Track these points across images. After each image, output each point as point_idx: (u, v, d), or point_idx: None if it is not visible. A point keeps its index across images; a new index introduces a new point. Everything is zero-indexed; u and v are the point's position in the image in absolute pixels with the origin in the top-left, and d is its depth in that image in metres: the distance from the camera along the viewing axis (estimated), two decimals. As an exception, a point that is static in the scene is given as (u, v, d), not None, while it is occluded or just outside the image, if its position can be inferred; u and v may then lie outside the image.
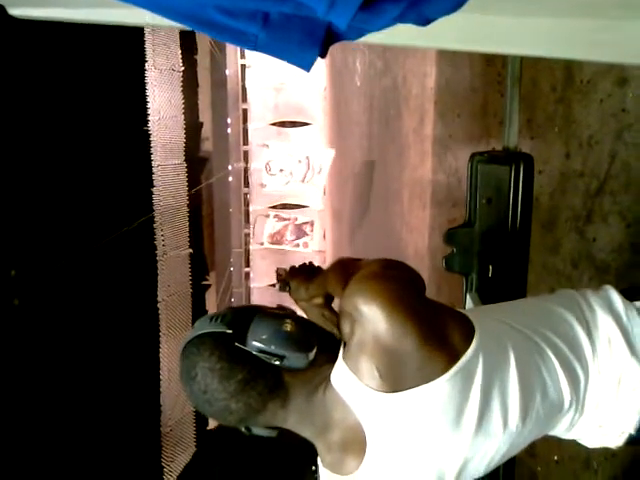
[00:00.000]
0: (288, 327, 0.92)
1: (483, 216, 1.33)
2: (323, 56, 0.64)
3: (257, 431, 0.98)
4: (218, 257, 9.04)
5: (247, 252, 12.23)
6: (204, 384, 0.89)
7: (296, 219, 11.79)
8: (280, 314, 0.96)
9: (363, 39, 1.02)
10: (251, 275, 12.37)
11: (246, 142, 12.35)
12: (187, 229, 5.67)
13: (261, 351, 0.89)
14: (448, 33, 0.95)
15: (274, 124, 12.60)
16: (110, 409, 3.76)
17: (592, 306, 1.03)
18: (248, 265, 12.32)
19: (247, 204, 11.98)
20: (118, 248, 4.11)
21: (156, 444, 4.69)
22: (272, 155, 10.52)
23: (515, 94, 1.27)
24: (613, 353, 0.99)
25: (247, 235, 12.36)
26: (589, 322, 1.01)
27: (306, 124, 12.62)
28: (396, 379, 0.85)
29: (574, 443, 1.14)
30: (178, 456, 5.60)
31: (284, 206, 12.07)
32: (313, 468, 1.10)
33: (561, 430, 1.05)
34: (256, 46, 0.62)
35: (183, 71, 5.81)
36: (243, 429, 0.97)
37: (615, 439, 1.04)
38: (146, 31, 4.77)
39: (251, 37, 0.62)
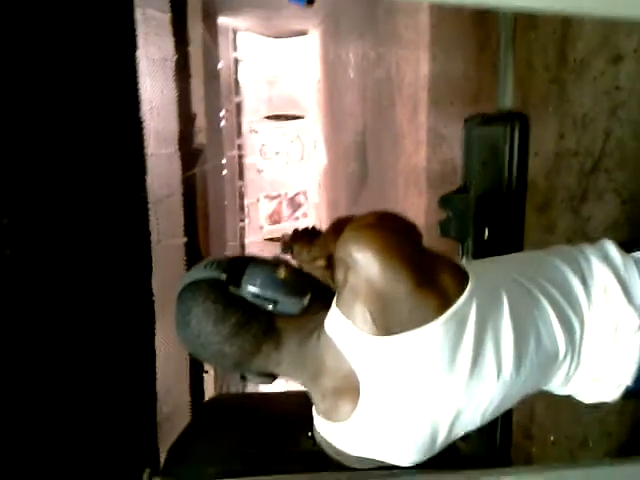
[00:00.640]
0: (282, 273, 0.93)
1: (479, 180, 1.33)
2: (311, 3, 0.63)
3: (252, 378, 0.99)
4: (213, 250, 9.02)
5: (242, 246, 12.22)
6: (198, 328, 0.90)
7: (287, 193, 11.77)
8: (275, 261, 0.97)
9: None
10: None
11: (240, 135, 12.31)
12: (182, 218, 5.65)
13: (255, 295, 0.91)
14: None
15: (268, 117, 12.57)
16: (104, 395, 3.74)
17: (588, 257, 1.04)
18: (244, 258, 12.26)
19: (242, 197, 11.96)
20: (112, 235, 4.09)
21: (152, 432, 4.68)
22: (264, 139, 10.48)
23: (509, 55, 1.26)
24: (609, 302, 0.99)
25: (242, 229, 12.34)
26: (584, 272, 1.01)
27: (300, 117, 12.59)
28: (389, 323, 0.86)
29: (571, 417, 1.14)
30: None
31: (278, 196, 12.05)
32: (309, 434, 1.11)
33: (557, 384, 1.04)
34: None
35: (176, 62, 5.75)
36: (239, 375, 0.99)
37: (612, 392, 1.05)
38: (138, 20, 4.74)
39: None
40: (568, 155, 2.64)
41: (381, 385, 0.90)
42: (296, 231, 1.26)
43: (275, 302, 0.91)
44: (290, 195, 11.91)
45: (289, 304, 0.92)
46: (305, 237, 1.21)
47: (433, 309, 0.86)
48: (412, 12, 5.22)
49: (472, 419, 0.95)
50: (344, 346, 0.90)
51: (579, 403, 1.12)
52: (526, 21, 2.85)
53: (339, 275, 0.92)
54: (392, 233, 0.89)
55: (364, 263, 0.85)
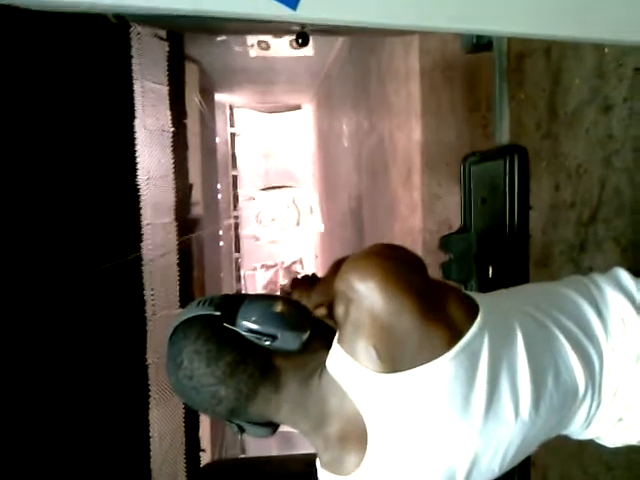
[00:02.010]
0: (280, 307, 0.87)
1: (479, 217, 1.29)
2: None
3: (249, 429, 0.91)
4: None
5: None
6: (190, 369, 0.83)
7: (283, 262, 11.77)
8: (272, 296, 0.91)
9: (346, 18, 1.00)
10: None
11: (236, 208, 12.46)
12: (177, 288, 5.58)
13: (251, 331, 0.84)
14: (431, 11, 0.94)
15: (264, 189, 12.76)
16: (98, 476, 3.56)
17: (600, 286, 0.99)
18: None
19: (238, 269, 11.94)
20: (106, 305, 4.01)
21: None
22: (260, 207, 10.61)
23: (504, 89, 1.26)
24: (627, 331, 0.93)
25: (239, 300, 12.25)
26: (598, 302, 0.96)
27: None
28: (395, 358, 0.80)
29: (592, 457, 1.06)
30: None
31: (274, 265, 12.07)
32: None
33: (578, 426, 0.97)
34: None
35: (173, 133, 5.88)
36: (235, 428, 0.91)
37: (638, 433, 0.97)
38: (136, 91, 4.87)
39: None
40: (564, 207, 2.64)
41: (390, 428, 0.82)
42: (295, 279, 1.22)
43: (273, 337, 0.84)
44: (286, 264, 11.93)
45: (288, 339, 0.85)
46: (304, 284, 1.18)
47: (442, 342, 0.80)
48: (403, 81, 5.38)
49: (490, 466, 0.87)
50: (348, 386, 0.83)
51: (603, 447, 1.04)
52: (515, 82, 2.92)
53: (339, 309, 0.86)
54: (395, 262, 0.84)
55: (366, 294, 0.80)
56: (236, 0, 0.87)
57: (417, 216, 5.09)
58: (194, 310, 0.87)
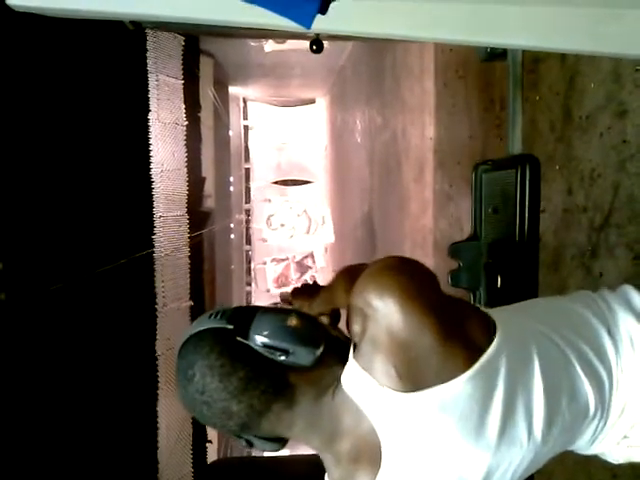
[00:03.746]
0: (294, 321, 0.85)
1: (489, 227, 1.29)
2: (323, 12, 0.62)
3: (259, 444, 0.89)
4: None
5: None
6: (202, 384, 0.81)
7: (294, 256, 11.77)
8: (285, 309, 0.91)
9: (360, 30, 1.00)
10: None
11: (248, 200, 12.48)
12: (188, 281, 5.61)
13: (265, 345, 0.83)
14: (445, 24, 0.94)
15: (276, 182, 12.78)
16: (105, 463, 3.60)
17: (611, 305, 0.98)
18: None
19: (249, 261, 11.97)
20: (117, 297, 4.04)
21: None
22: (273, 209, 10.65)
23: (517, 97, 1.26)
24: (636, 352, 0.93)
25: (248, 293, 12.29)
26: (609, 322, 0.96)
27: (308, 182, 12.79)
28: (415, 377, 0.79)
29: (598, 464, 1.06)
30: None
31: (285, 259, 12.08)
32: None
33: (584, 442, 0.97)
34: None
35: (187, 127, 5.90)
36: (244, 442, 0.89)
37: None
38: (151, 85, 4.88)
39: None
40: (577, 211, 2.62)
41: (405, 446, 0.81)
42: (296, 288, 1.21)
43: (286, 352, 0.83)
44: (298, 258, 11.92)
45: (302, 354, 0.83)
46: (305, 293, 1.16)
47: (461, 362, 0.79)
48: (417, 78, 5.36)
49: None
50: (364, 403, 0.82)
51: (608, 465, 1.04)
52: (530, 84, 2.90)
53: (356, 325, 0.84)
54: (413, 278, 0.82)
55: (385, 312, 0.78)
56: (253, 11, 0.87)
57: (428, 214, 5.08)
58: (206, 323, 0.86)
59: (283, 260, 11.85)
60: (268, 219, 10.64)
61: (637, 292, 1.00)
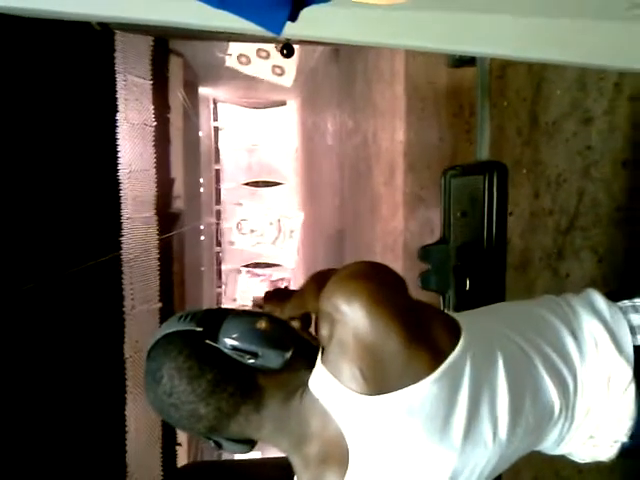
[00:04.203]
0: (263, 324, 0.86)
1: (458, 230, 1.31)
2: (294, 19, 0.63)
3: (228, 446, 0.89)
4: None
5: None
6: (170, 386, 0.81)
7: (271, 275, 11.71)
8: (255, 312, 0.91)
9: (337, 36, 1.01)
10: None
11: (218, 202, 12.40)
12: (157, 282, 5.54)
13: (234, 348, 0.83)
14: (420, 32, 0.95)
15: (247, 184, 12.73)
16: (74, 470, 3.54)
17: (575, 309, 1.01)
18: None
19: (219, 263, 11.90)
20: (84, 299, 3.97)
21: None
22: (245, 214, 10.59)
23: (485, 104, 1.28)
24: (600, 354, 0.95)
25: (219, 295, 12.21)
26: (574, 324, 0.98)
27: (278, 184, 12.78)
28: (380, 380, 0.80)
29: (565, 460, 1.08)
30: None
31: (257, 265, 12.02)
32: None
33: (550, 443, 0.99)
34: (224, 4, 0.60)
35: (155, 127, 5.82)
36: (212, 443, 0.90)
37: (607, 450, 0.99)
38: (119, 85, 4.82)
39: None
40: (543, 214, 2.67)
41: (372, 449, 0.83)
42: (267, 292, 1.21)
43: (255, 355, 0.83)
44: (274, 279, 11.88)
45: (271, 357, 0.83)
46: (277, 298, 1.16)
47: (426, 364, 0.81)
48: (388, 82, 5.40)
49: None
50: (331, 407, 0.83)
51: (574, 463, 1.06)
52: (498, 89, 2.95)
53: (324, 330, 0.85)
54: (381, 284, 0.83)
55: (352, 316, 0.79)
56: (224, 16, 0.87)
57: (399, 217, 5.12)
58: (175, 325, 0.86)
59: (259, 275, 11.80)
60: (239, 223, 10.56)
61: (601, 296, 1.03)
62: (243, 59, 7.01)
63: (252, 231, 11.00)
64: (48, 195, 3.50)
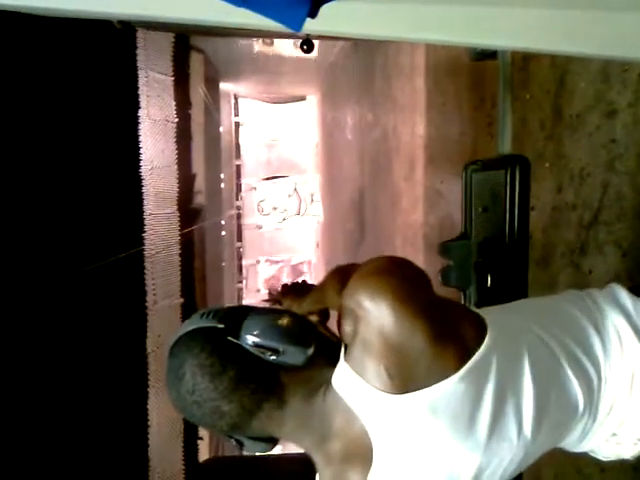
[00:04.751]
0: (285, 321, 0.86)
1: (479, 226, 1.30)
2: (313, 16, 0.63)
3: (249, 444, 0.89)
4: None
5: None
6: (192, 383, 0.81)
7: (290, 260, 11.68)
8: (277, 309, 0.91)
9: (356, 32, 1.00)
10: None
11: (239, 197, 12.45)
12: (179, 278, 5.59)
13: (256, 345, 0.83)
14: (437, 25, 0.94)
15: (267, 179, 12.75)
16: (96, 460, 3.59)
17: (599, 304, 0.99)
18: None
19: (240, 258, 11.95)
20: (107, 295, 4.03)
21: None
22: (263, 195, 10.55)
23: (507, 98, 1.27)
24: (624, 350, 0.94)
25: (240, 290, 12.27)
26: (597, 321, 0.96)
27: (298, 179, 12.78)
28: (406, 379, 0.79)
29: (587, 457, 1.07)
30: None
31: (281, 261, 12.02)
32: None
33: (573, 440, 0.98)
34: (244, 2, 0.60)
35: (177, 124, 5.87)
36: (234, 442, 0.89)
37: (631, 448, 0.98)
38: (141, 81, 4.86)
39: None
40: (566, 209, 2.64)
41: (396, 447, 0.82)
42: (285, 285, 1.21)
43: (277, 352, 0.83)
44: (294, 262, 11.83)
45: (293, 354, 0.83)
46: (295, 292, 1.16)
47: (452, 362, 0.80)
48: (408, 76, 5.36)
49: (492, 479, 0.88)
50: (355, 405, 0.82)
51: (597, 460, 1.05)
52: (520, 82, 2.91)
53: (347, 327, 0.83)
54: (405, 280, 0.82)
55: (377, 314, 0.78)
56: (243, 12, 0.87)
57: (419, 211, 5.09)
58: (197, 322, 0.86)
59: (277, 262, 11.78)
60: (259, 205, 10.51)
61: (625, 291, 1.01)
62: (268, 41, 7.33)
63: (275, 208, 10.94)
64: (71, 192, 3.55)
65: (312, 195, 10.77)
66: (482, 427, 0.82)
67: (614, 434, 0.97)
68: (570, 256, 2.63)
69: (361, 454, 0.83)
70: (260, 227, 11.12)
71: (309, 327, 0.90)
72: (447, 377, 0.79)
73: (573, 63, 2.49)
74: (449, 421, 0.80)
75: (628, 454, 1.00)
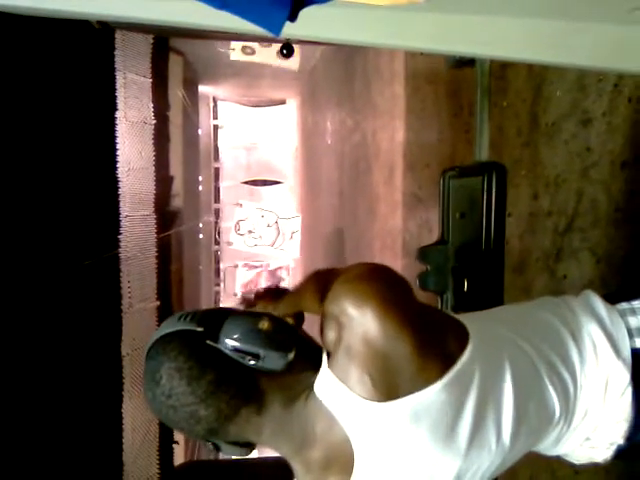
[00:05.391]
0: (265, 325, 0.83)
1: (457, 231, 1.31)
2: (293, 19, 0.62)
3: (226, 449, 0.88)
4: (187, 314, 8.86)
5: (217, 311, 12.05)
6: (169, 387, 0.79)
7: (268, 265, 11.66)
8: (257, 312, 0.90)
9: (336, 37, 1.00)
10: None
11: (217, 200, 12.39)
12: (155, 281, 5.53)
13: (235, 349, 0.81)
14: (418, 32, 0.95)
15: (246, 182, 12.72)
16: (70, 468, 3.54)
17: (576, 312, 1.00)
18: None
19: (217, 261, 11.88)
20: (81, 297, 3.97)
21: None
22: (244, 215, 10.53)
23: (485, 105, 1.28)
24: (599, 357, 0.95)
25: (217, 293, 12.20)
26: (573, 328, 0.98)
27: (277, 182, 12.76)
28: (390, 386, 0.79)
29: (561, 460, 1.08)
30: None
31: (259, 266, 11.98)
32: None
33: (548, 444, 0.99)
34: (224, 5, 0.60)
35: (154, 125, 5.82)
36: (211, 446, 0.88)
37: (603, 452, 0.99)
38: (118, 84, 4.82)
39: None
40: (542, 215, 2.67)
41: (377, 454, 0.81)
42: (259, 290, 1.19)
43: (257, 356, 0.80)
44: (272, 268, 11.81)
45: (273, 358, 0.81)
46: (269, 296, 1.15)
47: (436, 370, 0.80)
48: (387, 82, 5.40)
49: None
50: (337, 411, 0.81)
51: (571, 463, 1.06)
52: (498, 90, 2.95)
53: (330, 333, 0.82)
54: (389, 287, 0.82)
55: (362, 320, 0.78)
56: (223, 15, 0.86)
57: (397, 216, 5.12)
58: (174, 325, 0.83)
59: (255, 267, 11.75)
60: (237, 223, 10.51)
61: (599, 299, 1.03)
62: (248, 50, 7.18)
63: (250, 232, 10.92)
64: (46, 193, 3.49)
65: (292, 234, 10.76)
66: (463, 435, 0.82)
67: (588, 438, 0.99)
68: (545, 262, 2.66)
69: (342, 461, 0.83)
70: (231, 244, 11.09)
71: (290, 331, 0.88)
72: (430, 385, 0.79)
73: (550, 72, 2.53)
74: (431, 429, 0.80)
75: (601, 458, 1.01)
